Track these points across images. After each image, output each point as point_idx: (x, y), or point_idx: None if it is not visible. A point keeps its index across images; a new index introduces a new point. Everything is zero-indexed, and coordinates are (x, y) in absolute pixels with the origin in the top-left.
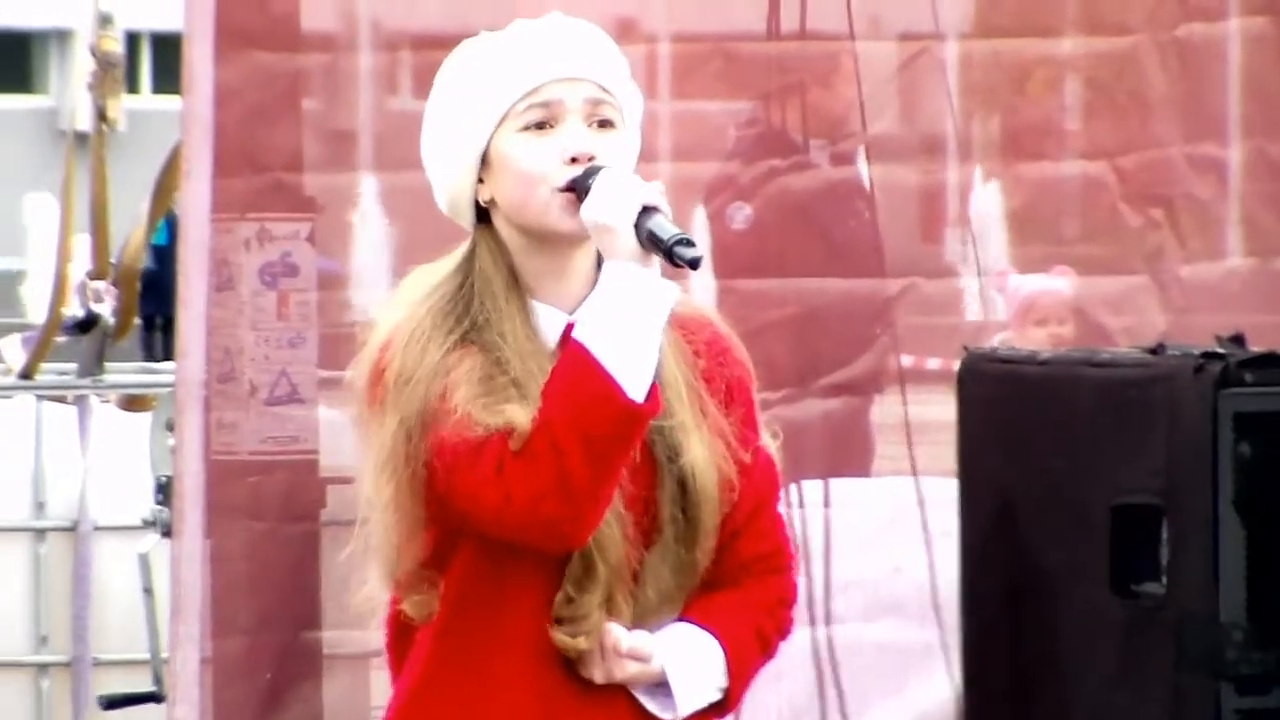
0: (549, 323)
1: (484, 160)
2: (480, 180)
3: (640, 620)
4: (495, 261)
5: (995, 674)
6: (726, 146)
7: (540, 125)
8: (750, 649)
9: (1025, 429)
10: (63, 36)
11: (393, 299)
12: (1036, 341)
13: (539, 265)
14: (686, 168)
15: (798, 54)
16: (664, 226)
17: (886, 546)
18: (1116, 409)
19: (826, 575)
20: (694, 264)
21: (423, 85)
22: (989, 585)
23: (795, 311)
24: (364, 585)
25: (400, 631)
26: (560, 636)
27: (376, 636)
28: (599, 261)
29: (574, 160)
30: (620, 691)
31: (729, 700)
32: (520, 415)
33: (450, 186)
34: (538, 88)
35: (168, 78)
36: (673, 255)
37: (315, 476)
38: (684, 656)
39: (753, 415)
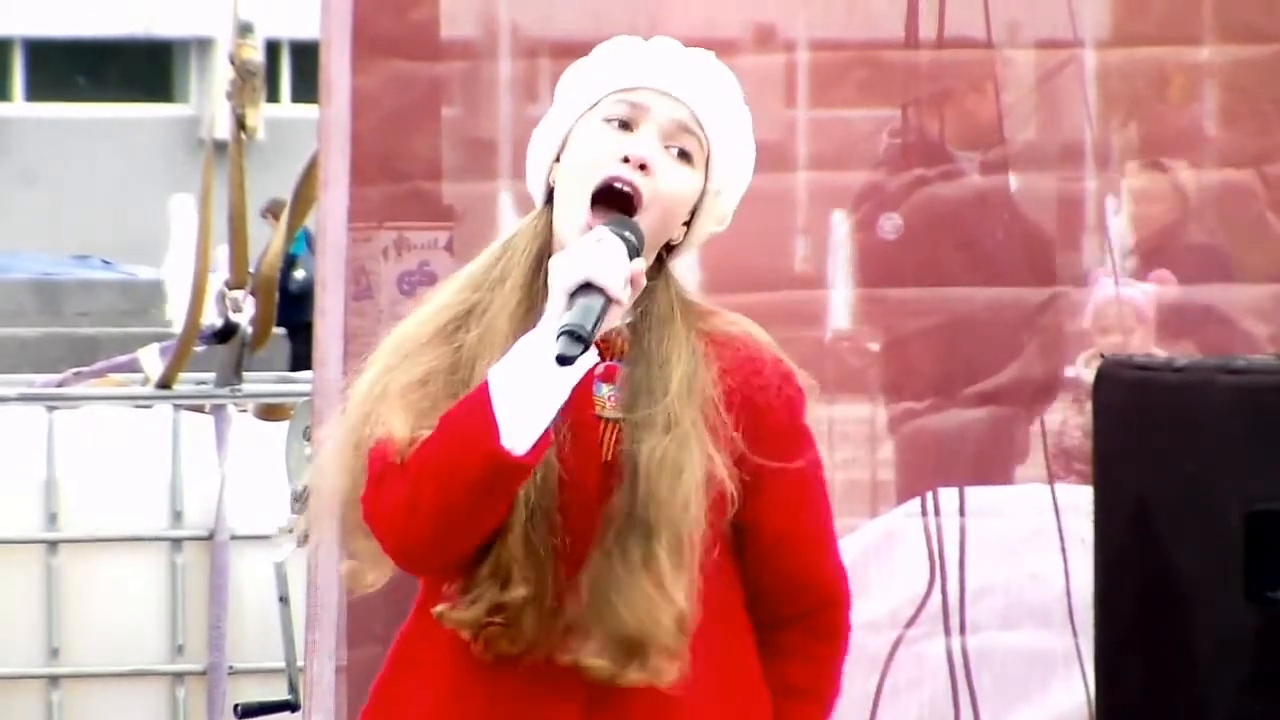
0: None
1: (565, 142)
2: (557, 160)
3: (594, 633)
4: (530, 242)
5: (1129, 681)
6: (873, 154)
7: (624, 124)
8: None
9: (1160, 435)
10: (203, 45)
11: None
12: (1104, 350)
13: None
14: (825, 176)
15: (937, 62)
16: (580, 310)
17: (1022, 554)
18: (1252, 415)
19: (961, 583)
20: (560, 360)
21: None
22: (1123, 592)
23: (941, 321)
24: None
25: None
26: (440, 611)
27: None
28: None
29: (625, 160)
30: (569, 681)
31: None
32: (400, 427)
33: (533, 164)
34: (633, 88)
35: (308, 86)
36: (556, 338)
37: None
38: None
39: (788, 434)
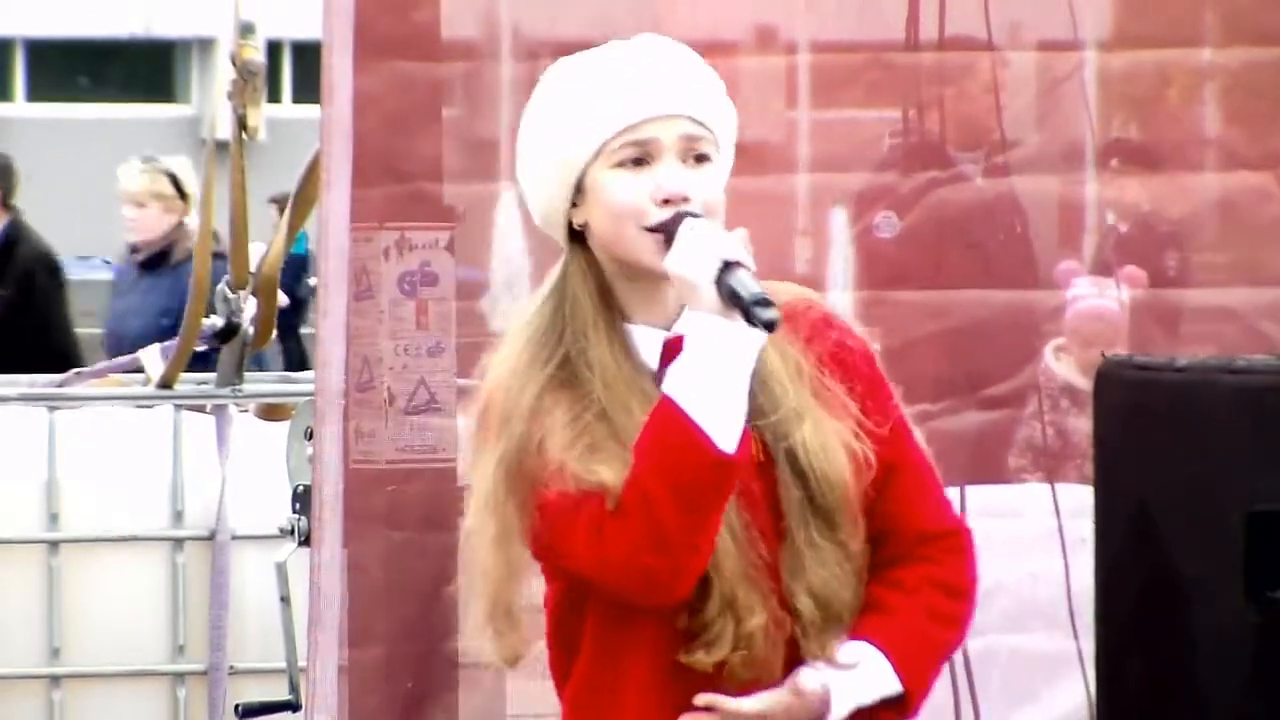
0: (645, 343)
1: (579, 187)
2: (575, 204)
3: (811, 630)
4: (585, 284)
5: (1130, 681)
6: (876, 156)
7: (636, 161)
8: (922, 650)
9: (1161, 436)
10: (204, 45)
11: (500, 342)
12: (1080, 361)
13: (632, 289)
14: (826, 177)
15: (938, 63)
16: (744, 284)
17: (1023, 554)
18: (1253, 415)
19: None
20: (770, 326)
21: None
22: (1124, 592)
23: (949, 324)
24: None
25: (558, 671)
26: (687, 657)
27: None
28: None
29: (666, 201)
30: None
31: (909, 702)
32: (610, 474)
33: (544, 207)
34: (634, 125)
35: (309, 87)
36: (750, 316)
37: (453, 485)
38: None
39: (880, 386)
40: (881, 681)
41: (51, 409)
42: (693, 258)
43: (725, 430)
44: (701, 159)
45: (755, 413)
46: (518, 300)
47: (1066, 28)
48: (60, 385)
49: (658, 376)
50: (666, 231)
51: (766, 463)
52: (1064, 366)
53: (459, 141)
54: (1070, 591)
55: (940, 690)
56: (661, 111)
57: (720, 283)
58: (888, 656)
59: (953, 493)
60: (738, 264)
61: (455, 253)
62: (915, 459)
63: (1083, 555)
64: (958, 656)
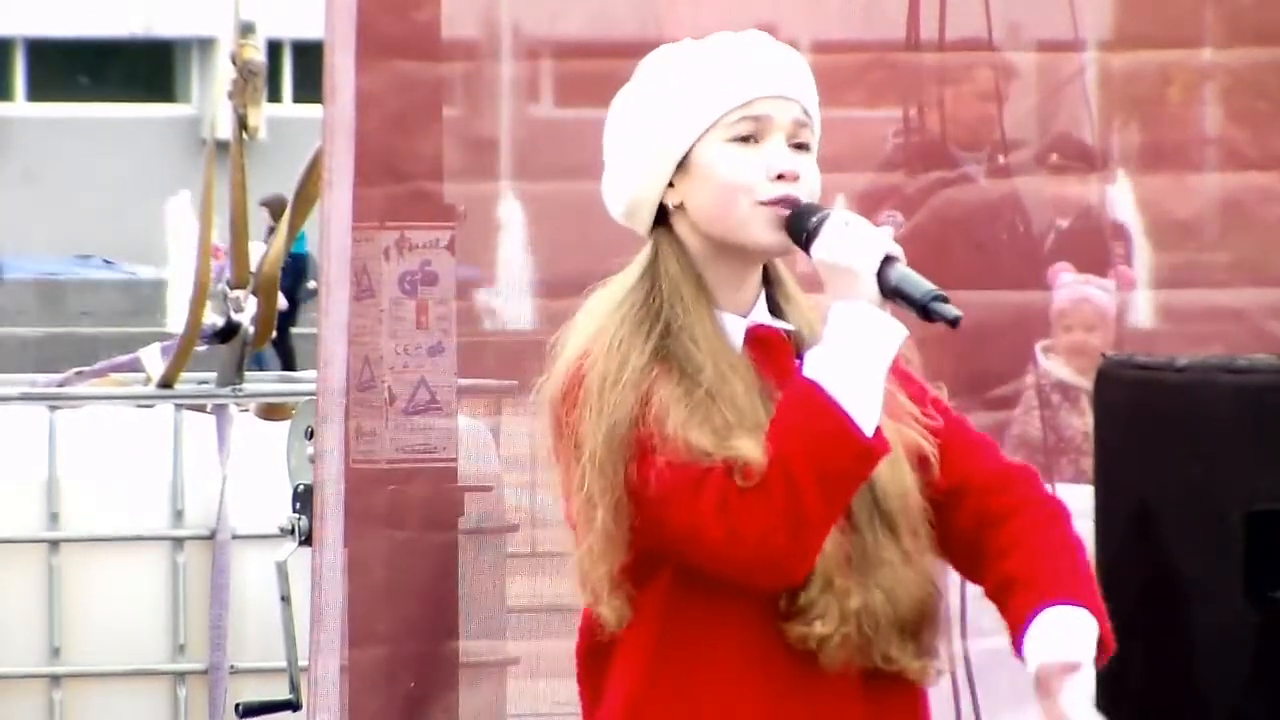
0: (730, 329)
1: (680, 165)
2: (670, 184)
3: (883, 622)
4: (682, 265)
5: (1130, 681)
6: (879, 156)
7: (746, 138)
8: (1076, 574)
9: (1162, 436)
10: (205, 45)
11: (579, 317)
12: (1065, 348)
13: (718, 273)
14: (829, 177)
15: (939, 63)
16: (913, 281)
17: None
18: (1254, 415)
19: (962, 585)
20: (955, 322)
21: (565, 93)
22: (1124, 592)
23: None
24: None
25: (593, 645)
26: (796, 629)
27: (513, 645)
28: (764, 271)
29: (780, 177)
30: (854, 680)
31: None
32: (751, 449)
33: (637, 186)
34: (751, 101)
35: (309, 86)
36: (929, 311)
37: (454, 485)
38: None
39: (908, 379)
40: (1085, 627)
41: (51, 408)
42: (852, 248)
43: (870, 420)
44: (803, 147)
45: None
46: (516, 300)
47: (1067, 28)
48: (60, 385)
49: (749, 360)
50: (797, 214)
51: None
52: (1053, 364)
53: (459, 141)
54: None
55: (940, 692)
56: (778, 92)
57: (882, 276)
58: (1070, 603)
59: None
60: (897, 259)
61: (455, 252)
62: (956, 419)
63: None
64: (958, 658)
